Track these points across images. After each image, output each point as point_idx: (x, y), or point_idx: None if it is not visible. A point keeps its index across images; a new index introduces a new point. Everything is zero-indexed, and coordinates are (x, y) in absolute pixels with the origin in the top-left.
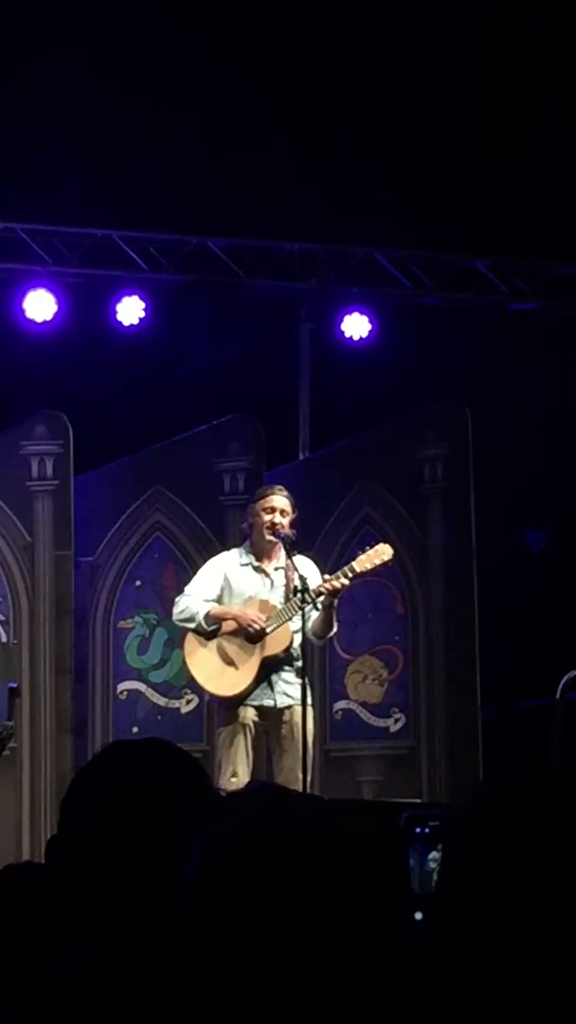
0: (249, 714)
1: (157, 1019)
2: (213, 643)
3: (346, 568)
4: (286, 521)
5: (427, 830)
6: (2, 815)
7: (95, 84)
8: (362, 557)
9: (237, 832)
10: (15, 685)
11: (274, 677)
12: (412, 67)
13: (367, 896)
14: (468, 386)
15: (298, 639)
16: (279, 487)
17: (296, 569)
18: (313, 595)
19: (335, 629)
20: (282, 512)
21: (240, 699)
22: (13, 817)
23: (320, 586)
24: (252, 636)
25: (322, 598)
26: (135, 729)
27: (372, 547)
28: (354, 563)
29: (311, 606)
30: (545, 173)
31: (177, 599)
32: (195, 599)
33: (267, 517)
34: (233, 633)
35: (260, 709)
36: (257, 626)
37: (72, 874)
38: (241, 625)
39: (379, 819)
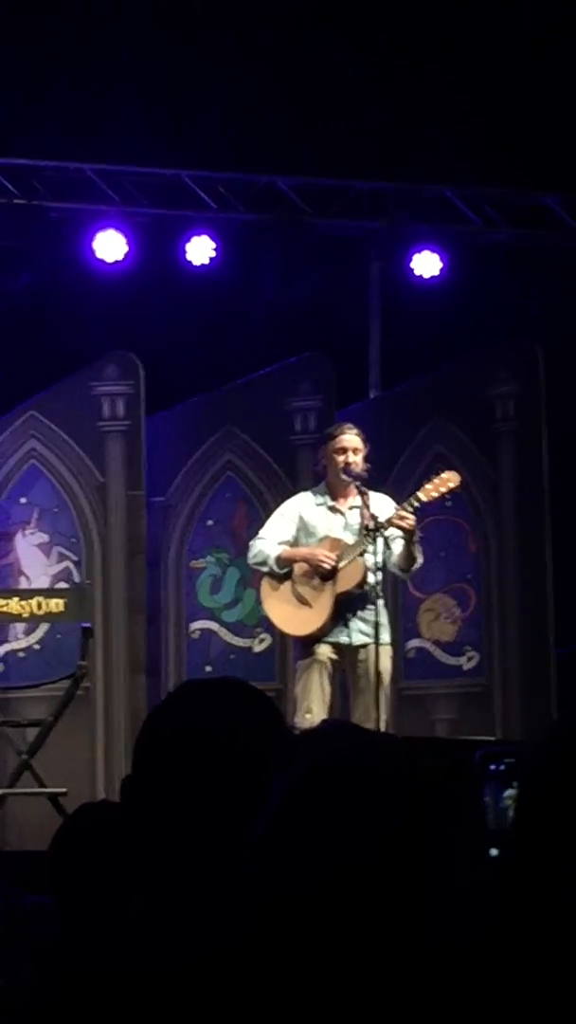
0: (325, 651)
1: (227, 961)
2: (286, 585)
3: (411, 498)
4: (359, 459)
5: (502, 767)
6: (77, 755)
7: (162, 22)
8: (428, 486)
9: (316, 769)
10: (88, 625)
11: (349, 614)
12: (480, 5)
13: (443, 833)
14: (540, 324)
15: (372, 576)
16: (348, 425)
17: (368, 507)
18: (383, 529)
19: (420, 561)
20: (354, 451)
21: (317, 637)
22: (88, 756)
23: (389, 519)
24: (324, 574)
25: (395, 531)
26: (208, 668)
27: (438, 475)
28: (419, 492)
29: (382, 540)
30: None
31: (252, 543)
32: (268, 542)
33: (340, 458)
34: (305, 573)
35: (336, 646)
36: (328, 564)
37: (147, 813)
38: (312, 564)
39: (453, 757)
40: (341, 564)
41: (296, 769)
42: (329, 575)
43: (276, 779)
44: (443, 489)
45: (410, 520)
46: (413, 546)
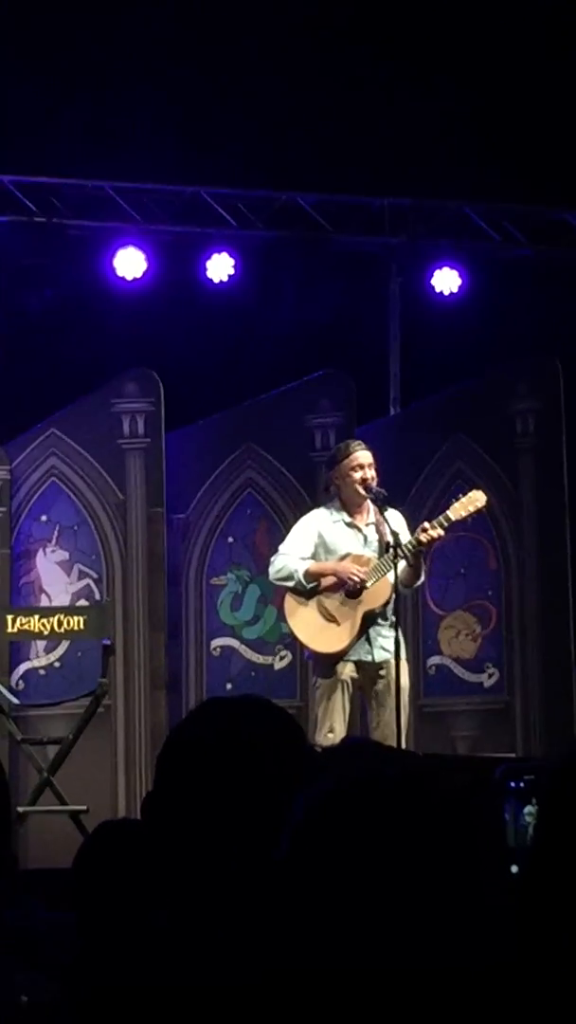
0: (347, 669)
1: (249, 975)
2: (313, 600)
3: (441, 517)
4: (373, 474)
5: (522, 784)
6: (97, 772)
7: (183, 40)
8: (456, 505)
9: (340, 787)
10: (109, 642)
11: (372, 632)
12: (499, 20)
13: (466, 850)
14: (559, 340)
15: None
16: (357, 442)
17: (387, 523)
18: (408, 548)
19: (423, 578)
20: (369, 466)
21: (342, 655)
22: (108, 774)
23: (415, 536)
24: (352, 591)
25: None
26: (229, 686)
27: (465, 494)
28: (449, 511)
29: (404, 559)
30: None
31: (273, 558)
32: (292, 558)
33: (357, 475)
34: (332, 589)
35: (358, 664)
36: (357, 579)
37: (168, 830)
38: (341, 579)
39: (474, 774)
40: (369, 582)
41: (320, 786)
42: (356, 592)
43: (299, 796)
44: (471, 508)
45: (438, 532)
46: (422, 561)
